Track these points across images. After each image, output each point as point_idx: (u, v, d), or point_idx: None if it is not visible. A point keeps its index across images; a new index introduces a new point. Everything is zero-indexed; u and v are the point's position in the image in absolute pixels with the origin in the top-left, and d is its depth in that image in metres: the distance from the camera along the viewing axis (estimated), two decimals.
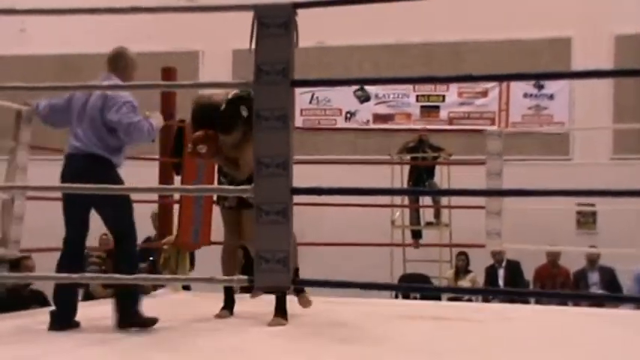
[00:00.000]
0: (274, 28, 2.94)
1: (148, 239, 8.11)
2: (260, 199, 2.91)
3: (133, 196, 4.82)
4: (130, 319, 4.47)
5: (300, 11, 2.97)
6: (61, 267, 4.45)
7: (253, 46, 2.98)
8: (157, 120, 4.71)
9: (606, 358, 4.02)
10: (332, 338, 4.31)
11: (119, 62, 4.75)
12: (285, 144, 2.92)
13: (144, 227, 7.56)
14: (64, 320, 4.50)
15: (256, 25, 2.96)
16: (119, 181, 4.53)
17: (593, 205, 10.61)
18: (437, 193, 10.81)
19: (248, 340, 4.31)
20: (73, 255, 4.55)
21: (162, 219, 7.23)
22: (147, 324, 4.48)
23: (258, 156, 2.93)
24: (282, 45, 2.94)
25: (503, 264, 10.11)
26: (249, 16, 3.10)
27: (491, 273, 10.16)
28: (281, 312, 4.76)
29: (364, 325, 4.88)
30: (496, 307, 6.57)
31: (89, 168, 4.49)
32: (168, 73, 7.32)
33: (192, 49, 12.31)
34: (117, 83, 4.56)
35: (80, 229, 4.62)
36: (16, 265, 7.59)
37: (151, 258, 7.63)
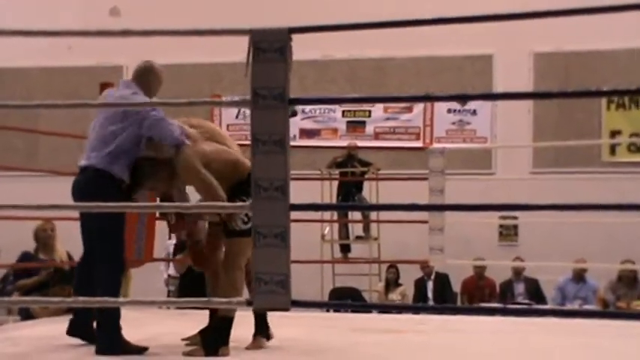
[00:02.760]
0: (270, 53, 2.99)
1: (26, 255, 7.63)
2: (258, 222, 2.95)
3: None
4: (113, 346, 4.35)
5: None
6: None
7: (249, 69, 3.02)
8: None
9: None
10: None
11: (144, 76, 4.66)
12: (283, 168, 2.97)
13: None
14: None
15: (252, 50, 2.99)
16: (113, 197, 4.22)
17: (515, 217, 10.96)
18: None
19: None
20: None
21: None
22: (131, 352, 4.35)
23: (256, 179, 2.97)
24: (279, 69, 2.99)
25: (432, 277, 10.34)
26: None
27: (420, 286, 10.38)
28: (261, 332, 4.57)
29: (334, 340, 4.97)
30: (438, 319, 6.70)
31: (83, 183, 4.50)
32: (106, 87, 7.21)
33: (117, 64, 12.12)
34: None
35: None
36: None
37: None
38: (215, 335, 4.27)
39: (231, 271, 4.33)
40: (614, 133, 11.49)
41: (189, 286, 6.40)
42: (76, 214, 4.66)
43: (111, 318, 4.36)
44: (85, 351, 4.46)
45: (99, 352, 4.33)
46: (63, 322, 4.75)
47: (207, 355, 4.19)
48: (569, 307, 9.61)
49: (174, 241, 7.51)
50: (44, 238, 7.39)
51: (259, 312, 4.43)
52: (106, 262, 4.43)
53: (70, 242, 7.71)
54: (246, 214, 4.20)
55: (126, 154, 4.44)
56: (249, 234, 4.26)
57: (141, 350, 4.36)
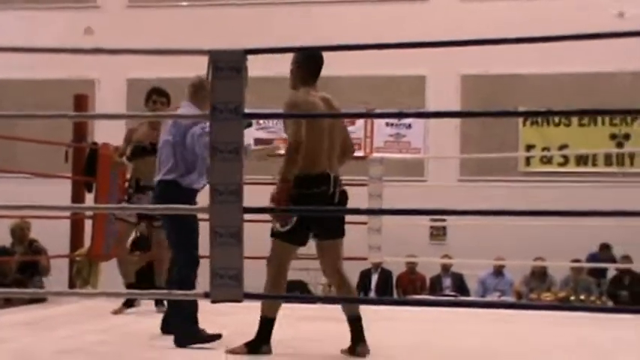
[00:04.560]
0: (227, 71, 2.97)
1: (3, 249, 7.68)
2: (215, 222, 2.92)
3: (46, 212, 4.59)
4: (186, 337, 4.20)
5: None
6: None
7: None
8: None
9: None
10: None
11: (199, 93, 4.36)
12: (237, 173, 2.96)
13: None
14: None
15: (211, 68, 2.97)
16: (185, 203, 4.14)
17: (444, 220, 11.03)
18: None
19: None
20: None
21: (74, 233, 7.03)
22: (207, 340, 4.19)
23: (213, 184, 2.94)
24: (235, 86, 2.97)
25: (379, 270, 10.33)
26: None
27: (365, 277, 10.34)
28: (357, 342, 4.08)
29: (284, 328, 4.91)
30: (377, 309, 6.69)
31: (160, 193, 4.43)
32: (80, 99, 7.12)
33: (89, 77, 11.94)
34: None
35: None
36: None
37: None
38: (257, 334, 4.00)
39: (271, 269, 4.07)
40: (529, 147, 11.65)
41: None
42: (49, 213, 4.58)
43: (185, 311, 4.18)
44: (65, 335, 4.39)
45: (177, 343, 4.16)
46: (39, 309, 4.69)
47: (249, 352, 3.95)
48: (489, 298, 9.73)
49: None
50: (20, 236, 7.33)
51: (354, 322, 4.07)
52: (177, 263, 4.33)
53: (43, 238, 7.64)
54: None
55: (188, 164, 4.36)
56: (283, 237, 3.97)
57: (215, 337, 4.20)
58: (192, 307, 4.17)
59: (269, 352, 3.97)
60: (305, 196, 3.90)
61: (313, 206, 3.92)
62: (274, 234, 4.04)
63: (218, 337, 4.21)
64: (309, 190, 3.94)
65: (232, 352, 3.96)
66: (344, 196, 4.13)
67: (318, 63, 4.14)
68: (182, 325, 4.20)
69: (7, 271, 7.15)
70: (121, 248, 5.87)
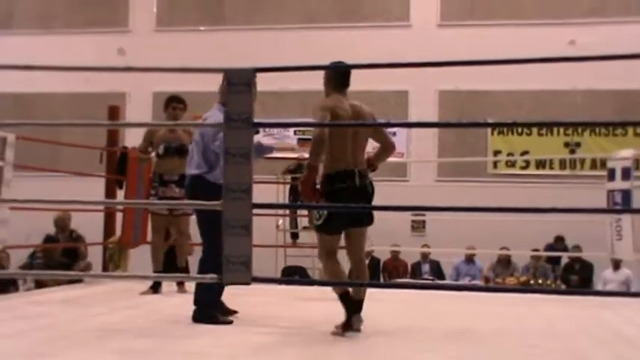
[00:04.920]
0: (240, 86, 2.96)
1: (49, 237, 7.70)
2: (228, 216, 2.92)
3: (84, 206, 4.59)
4: (203, 315, 4.12)
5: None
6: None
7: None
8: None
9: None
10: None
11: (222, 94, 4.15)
12: (248, 174, 2.95)
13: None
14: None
15: (226, 84, 2.96)
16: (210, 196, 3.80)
17: (423, 214, 11.04)
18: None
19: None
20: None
21: (107, 224, 7.01)
22: (220, 323, 4.10)
23: (227, 184, 2.94)
24: (246, 99, 2.97)
25: (369, 257, 10.29)
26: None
27: None
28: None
29: (287, 307, 4.91)
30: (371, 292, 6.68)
31: (190, 185, 4.37)
32: (113, 110, 7.10)
33: (121, 91, 11.92)
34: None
35: None
36: None
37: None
38: (345, 311, 3.88)
39: (322, 259, 3.94)
40: (496, 152, 11.67)
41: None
42: (86, 207, 4.56)
43: (209, 294, 4.13)
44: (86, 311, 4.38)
45: (194, 318, 4.13)
46: (77, 289, 4.67)
47: (345, 329, 3.83)
48: (461, 282, 9.72)
49: None
50: (63, 226, 7.35)
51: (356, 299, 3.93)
52: (205, 251, 4.24)
53: (82, 228, 7.62)
54: (319, 212, 3.78)
55: (211, 162, 4.27)
56: (321, 230, 3.83)
57: (227, 322, 4.15)
58: (215, 292, 4.11)
59: (360, 321, 3.85)
60: (334, 191, 3.82)
61: (342, 199, 3.77)
62: (315, 227, 3.94)
63: (230, 322, 4.17)
64: (337, 185, 3.83)
65: (334, 333, 3.87)
66: (372, 188, 4.06)
67: (344, 75, 4.17)
68: (202, 305, 4.18)
69: (54, 255, 7.21)
70: (157, 238, 5.75)
